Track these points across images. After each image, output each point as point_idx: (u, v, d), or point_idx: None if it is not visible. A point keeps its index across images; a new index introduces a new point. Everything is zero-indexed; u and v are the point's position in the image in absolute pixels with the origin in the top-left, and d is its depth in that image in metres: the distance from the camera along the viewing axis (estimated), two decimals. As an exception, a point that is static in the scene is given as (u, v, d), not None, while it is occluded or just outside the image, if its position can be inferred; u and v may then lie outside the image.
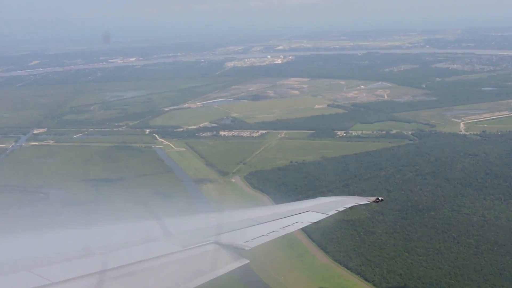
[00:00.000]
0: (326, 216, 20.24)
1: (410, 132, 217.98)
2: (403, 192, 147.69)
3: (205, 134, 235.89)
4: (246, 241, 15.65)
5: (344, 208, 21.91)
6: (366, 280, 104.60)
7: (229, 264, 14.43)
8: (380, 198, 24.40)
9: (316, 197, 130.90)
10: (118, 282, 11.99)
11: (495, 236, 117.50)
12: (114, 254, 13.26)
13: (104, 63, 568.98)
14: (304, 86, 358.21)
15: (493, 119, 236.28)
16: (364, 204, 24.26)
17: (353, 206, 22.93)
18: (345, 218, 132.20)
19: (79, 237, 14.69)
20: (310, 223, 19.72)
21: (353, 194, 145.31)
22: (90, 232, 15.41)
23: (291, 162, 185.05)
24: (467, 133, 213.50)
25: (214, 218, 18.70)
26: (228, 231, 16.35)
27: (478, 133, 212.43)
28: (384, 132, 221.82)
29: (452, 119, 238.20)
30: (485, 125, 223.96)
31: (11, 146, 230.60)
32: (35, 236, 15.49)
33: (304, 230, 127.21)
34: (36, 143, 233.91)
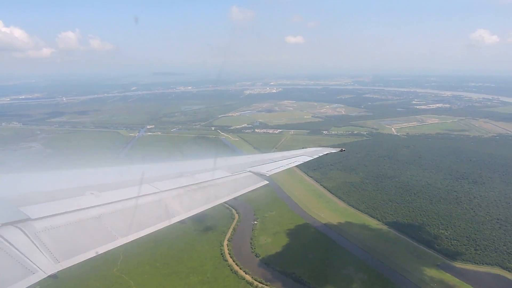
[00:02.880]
0: (312, 158, 20.01)
1: (365, 133, 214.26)
2: (374, 166, 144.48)
3: (247, 131, 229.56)
4: (267, 171, 15.88)
5: (323, 154, 21.25)
6: (372, 217, 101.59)
7: (257, 184, 14.64)
8: (343, 149, 23.63)
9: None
10: (197, 191, 12.42)
11: (438, 193, 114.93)
12: (195, 176, 13.65)
13: (174, 89, 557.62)
14: (294, 105, 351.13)
15: (409, 126, 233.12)
16: (335, 152, 22.89)
17: (328, 153, 22.07)
18: (347, 181, 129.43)
19: (177, 168, 15.00)
20: (304, 162, 19.24)
21: (344, 167, 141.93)
22: (185, 165, 16.08)
23: (302, 147, 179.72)
24: (398, 134, 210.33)
25: (249, 158, 18.34)
26: (257, 165, 16.57)
27: (405, 134, 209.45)
28: (350, 132, 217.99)
29: (386, 126, 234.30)
30: (407, 130, 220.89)
31: (137, 134, 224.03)
32: (154, 167, 16.04)
33: (326, 187, 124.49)
34: (151, 133, 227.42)
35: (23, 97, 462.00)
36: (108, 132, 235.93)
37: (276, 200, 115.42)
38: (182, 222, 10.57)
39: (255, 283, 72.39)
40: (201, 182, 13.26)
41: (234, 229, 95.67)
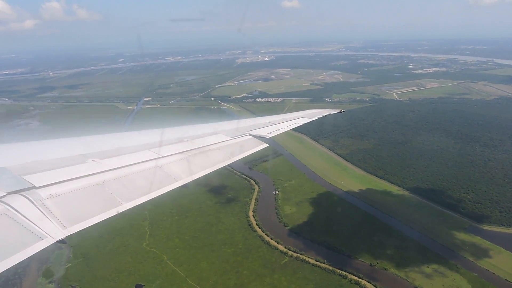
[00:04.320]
0: (311, 120, 19.90)
1: (367, 99, 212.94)
2: (384, 133, 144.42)
3: (248, 100, 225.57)
4: (267, 134, 15.86)
5: (322, 116, 21.17)
6: (392, 183, 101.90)
7: (257, 147, 14.59)
8: (342, 110, 23.11)
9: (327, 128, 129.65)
10: (198, 155, 12.46)
11: (452, 157, 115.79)
12: (196, 141, 13.65)
13: (163, 60, 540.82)
14: (290, 73, 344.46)
15: (410, 91, 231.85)
16: (334, 114, 22.48)
17: (327, 115, 21.86)
18: (360, 148, 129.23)
19: (177, 133, 14.63)
20: (303, 124, 19.13)
21: (354, 134, 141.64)
22: (184, 130, 15.55)
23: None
24: (401, 99, 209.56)
25: (249, 122, 17.89)
26: (256, 128, 16.42)
27: (407, 99, 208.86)
28: (352, 98, 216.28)
29: (387, 91, 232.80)
30: (408, 95, 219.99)
31: (135, 107, 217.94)
32: (153, 133, 15.15)
33: (340, 155, 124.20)
34: (149, 106, 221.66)
35: (7, 72, 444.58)
36: (105, 106, 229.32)
37: (292, 169, 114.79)
38: (184, 186, 10.63)
39: (290, 252, 72.56)
40: (201, 147, 13.30)
41: (256, 199, 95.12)
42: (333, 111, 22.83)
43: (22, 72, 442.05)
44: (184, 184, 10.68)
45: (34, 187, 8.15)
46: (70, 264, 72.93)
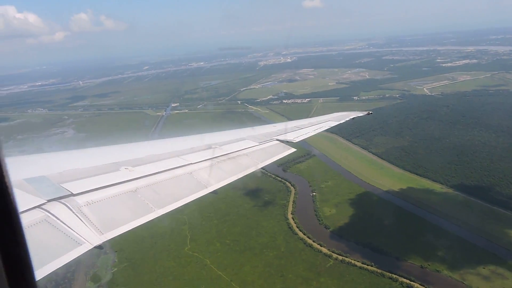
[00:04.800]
0: (339, 123, 19.81)
1: (397, 95, 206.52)
2: (419, 129, 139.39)
3: (275, 102, 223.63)
4: (294, 138, 15.77)
5: (349, 118, 20.94)
6: (433, 181, 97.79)
7: (284, 151, 14.51)
8: (370, 112, 23.64)
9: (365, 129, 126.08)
10: (226, 162, 12.52)
11: (496, 151, 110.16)
12: (223, 147, 13.64)
13: (186, 66, 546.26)
14: (314, 73, 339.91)
15: (441, 85, 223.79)
16: (362, 116, 22.54)
17: (355, 117, 21.51)
18: (396, 146, 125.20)
19: (205, 140, 14.53)
20: (330, 127, 18.93)
21: (387, 132, 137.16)
22: (212, 137, 15.35)
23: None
24: (432, 94, 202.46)
25: (275, 127, 17.49)
26: (283, 133, 16.26)
27: (439, 93, 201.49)
28: (381, 96, 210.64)
29: (417, 87, 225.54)
30: (440, 89, 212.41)
31: (164, 113, 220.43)
32: (182, 140, 15.20)
33: (376, 153, 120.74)
34: (177, 111, 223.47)
35: (40, 83, 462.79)
36: (135, 112, 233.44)
37: (327, 170, 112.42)
38: (214, 192, 10.69)
39: (334, 255, 70.46)
40: (229, 153, 13.34)
41: (294, 202, 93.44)
42: (360, 113, 22.68)
43: (53, 83, 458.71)
44: (214, 191, 10.78)
45: (72, 195, 8.38)
46: (116, 269, 73.67)
